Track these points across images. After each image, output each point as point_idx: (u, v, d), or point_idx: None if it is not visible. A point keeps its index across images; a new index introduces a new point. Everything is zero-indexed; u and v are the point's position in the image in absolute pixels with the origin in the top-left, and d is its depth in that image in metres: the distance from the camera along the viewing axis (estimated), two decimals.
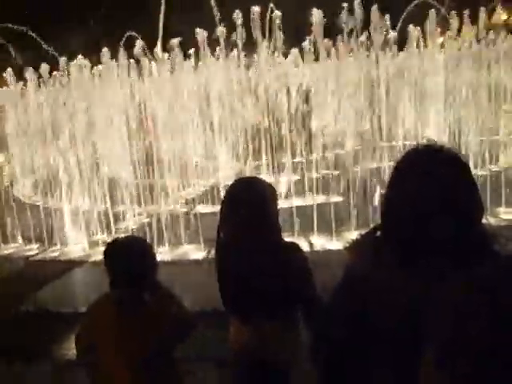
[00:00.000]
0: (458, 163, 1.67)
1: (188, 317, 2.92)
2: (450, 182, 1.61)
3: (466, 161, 1.69)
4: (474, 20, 10.49)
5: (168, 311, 2.79)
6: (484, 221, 1.68)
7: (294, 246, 2.86)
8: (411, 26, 10.92)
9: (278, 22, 9.26)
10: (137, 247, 2.87)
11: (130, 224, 9.29)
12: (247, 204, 2.72)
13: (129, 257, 2.78)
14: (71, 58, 10.32)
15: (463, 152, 9.40)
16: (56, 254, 8.86)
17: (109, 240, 3.05)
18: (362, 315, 1.65)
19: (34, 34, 10.82)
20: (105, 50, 10.02)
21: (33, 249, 9.21)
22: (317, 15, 8.85)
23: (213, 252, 2.99)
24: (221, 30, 9.42)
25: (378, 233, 1.77)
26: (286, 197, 8.74)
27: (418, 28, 11.06)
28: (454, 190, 1.60)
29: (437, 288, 1.25)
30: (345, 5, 8.90)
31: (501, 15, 12.99)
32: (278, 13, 9.20)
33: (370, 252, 1.73)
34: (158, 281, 2.91)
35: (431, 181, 1.61)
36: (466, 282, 1.16)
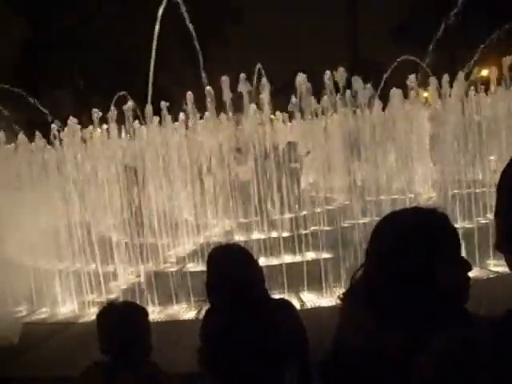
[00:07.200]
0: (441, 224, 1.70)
1: None
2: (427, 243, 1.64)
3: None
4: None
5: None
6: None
7: (285, 304, 2.84)
8: (394, 88, 11.21)
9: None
10: (131, 315, 2.78)
11: (121, 284, 9.16)
12: (228, 274, 2.72)
13: (122, 326, 2.70)
14: (62, 119, 10.46)
15: (450, 205, 9.48)
16: (44, 315, 8.70)
17: (100, 301, 3.01)
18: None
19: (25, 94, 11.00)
20: (95, 111, 10.23)
21: (20, 310, 9.03)
22: (301, 78, 9.24)
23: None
24: (208, 91, 9.72)
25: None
26: (276, 254, 8.72)
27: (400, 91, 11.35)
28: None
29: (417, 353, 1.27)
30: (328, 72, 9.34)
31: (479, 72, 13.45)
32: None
33: (355, 309, 1.74)
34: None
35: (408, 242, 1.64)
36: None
